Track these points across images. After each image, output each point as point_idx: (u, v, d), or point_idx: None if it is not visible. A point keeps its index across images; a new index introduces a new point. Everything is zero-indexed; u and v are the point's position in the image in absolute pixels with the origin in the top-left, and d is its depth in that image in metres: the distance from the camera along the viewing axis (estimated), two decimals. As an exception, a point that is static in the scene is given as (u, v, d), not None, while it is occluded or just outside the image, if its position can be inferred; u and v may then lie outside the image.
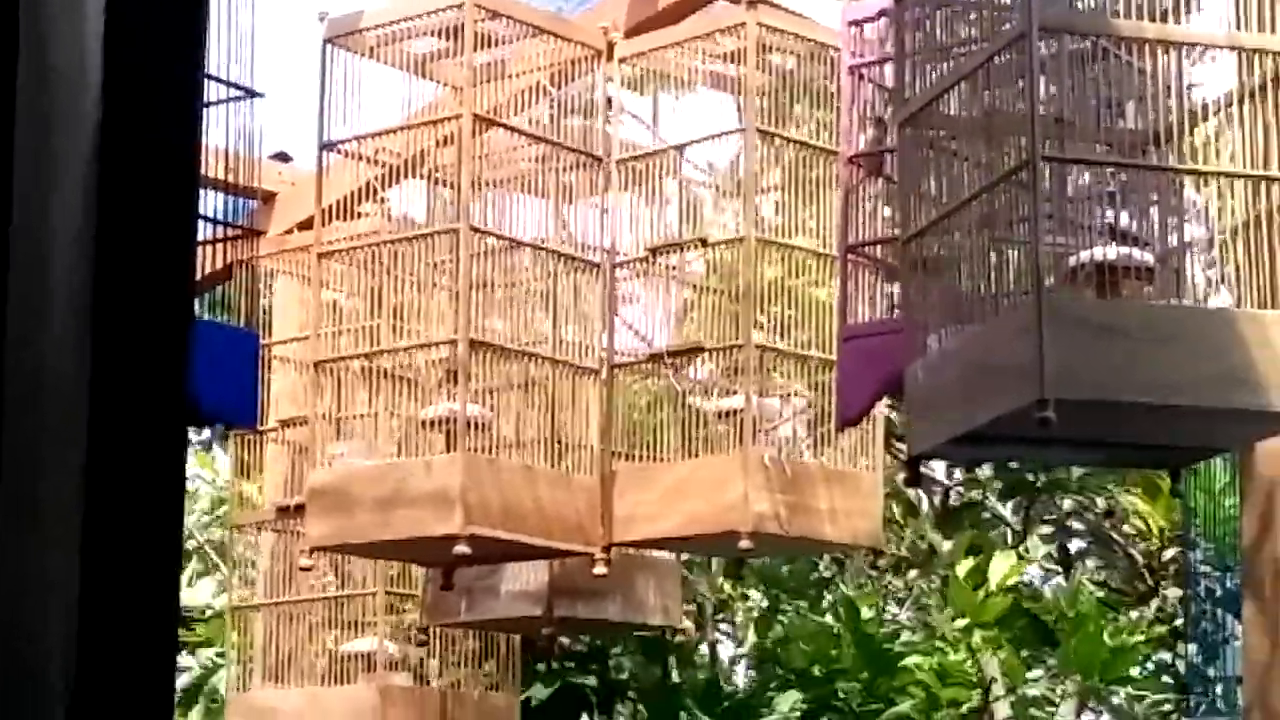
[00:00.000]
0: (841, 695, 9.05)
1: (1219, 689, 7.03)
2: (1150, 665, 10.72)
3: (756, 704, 9.56)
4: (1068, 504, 10.34)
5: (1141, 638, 9.53)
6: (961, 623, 8.92)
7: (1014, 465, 9.81)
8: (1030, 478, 10.00)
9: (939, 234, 4.12)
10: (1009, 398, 3.70)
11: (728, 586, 10.49)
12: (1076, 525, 10.44)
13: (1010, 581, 9.25)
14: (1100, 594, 10.02)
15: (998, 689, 9.01)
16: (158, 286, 1.66)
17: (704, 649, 10.51)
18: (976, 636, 8.85)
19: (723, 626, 11.00)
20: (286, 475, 7.56)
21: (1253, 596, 5.39)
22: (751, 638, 10.41)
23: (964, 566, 9.61)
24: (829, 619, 9.72)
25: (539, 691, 8.85)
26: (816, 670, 9.14)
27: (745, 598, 10.69)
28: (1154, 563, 9.63)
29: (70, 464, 1.56)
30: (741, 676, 10.80)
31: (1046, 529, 10.42)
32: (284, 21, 6.30)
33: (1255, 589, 5.37)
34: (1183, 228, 4.02)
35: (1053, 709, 9.34)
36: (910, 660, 8.98)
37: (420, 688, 7.50)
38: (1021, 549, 10.03)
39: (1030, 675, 9.09)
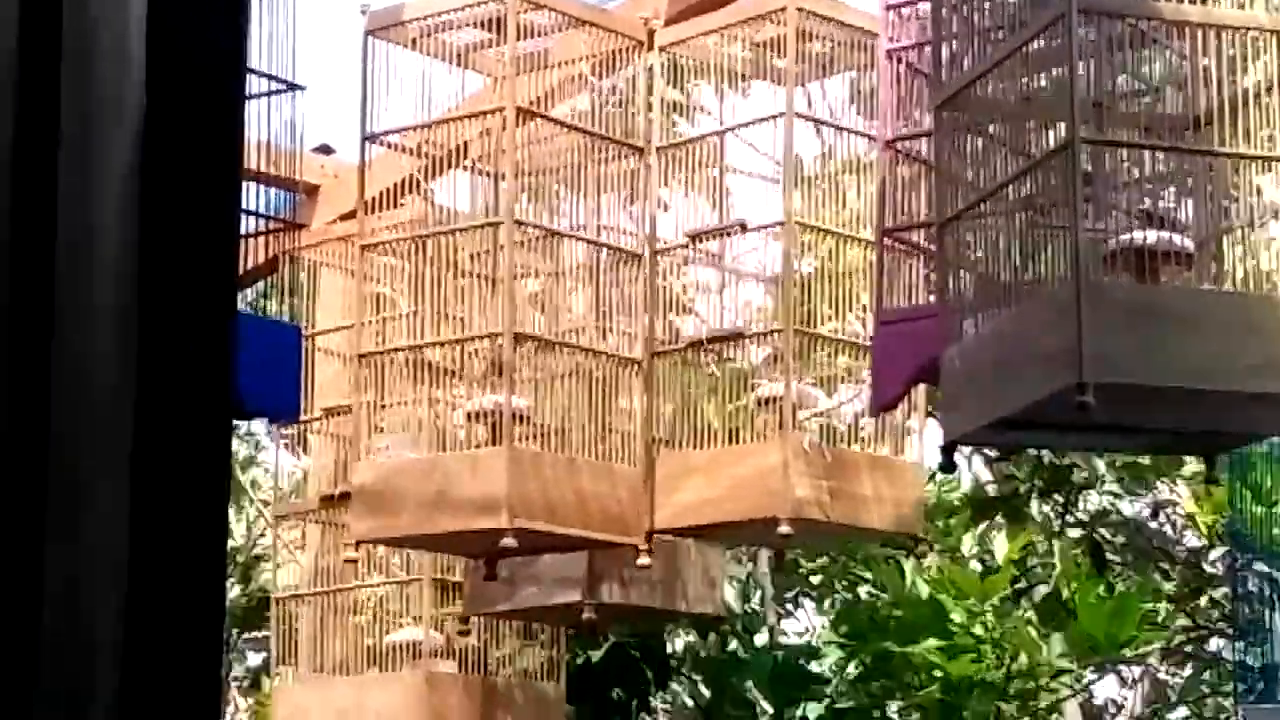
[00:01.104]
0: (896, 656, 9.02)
1: (1266, 680, 7.01)
2: (1189, 649, 10.71)
3: (810, 671, 9.55)
4: (1103, 501, 10.28)
5: (1149, 604, 9.51)
6: (965, 601, 8.91)
7: (1048, 458, 9.78)
8: (1069, 473, 9.97)
9: (976, 218, 4.12)
10: (1047, 382, 3.70)
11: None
12: (1112, 521, 10.38)
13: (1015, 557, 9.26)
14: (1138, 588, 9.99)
15: (1018, 664, 8.98)
16: (201, 281, 1.67)
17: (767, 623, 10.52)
18: (988, 615, 8.84)
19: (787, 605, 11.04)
20: (331, 465, 7.58)
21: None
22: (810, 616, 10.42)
23: (968, 544, 9.61)
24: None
25: (592, 656, 8.83)
26: (872, 630, 9.13)
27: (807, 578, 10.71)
28: (1203, 562, 9.60)
29: (117, 459, 1.58)
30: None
31: (1076, 531, 10.36)
32: (325, 14, 6.32)
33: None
34: (1222, 212, 4.01)
35: (1067, 679, 9.31)
36: (927, 643, 8.95)
37: (466, 675, 7.52)
38: (1051, 543, 10.01)
39: (1046, 648, 9.05)
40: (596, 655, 9.05)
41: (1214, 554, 9.48)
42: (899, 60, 5.02)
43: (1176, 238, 3.96)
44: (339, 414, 7.30)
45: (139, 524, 1.60)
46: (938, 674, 8.87)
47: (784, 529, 6.02)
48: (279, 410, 4.76)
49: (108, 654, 1.57)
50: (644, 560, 6.34)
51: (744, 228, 6.41)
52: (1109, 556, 10.38)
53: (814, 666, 9.62)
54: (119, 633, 1.58)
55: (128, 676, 1.58)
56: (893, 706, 9.36)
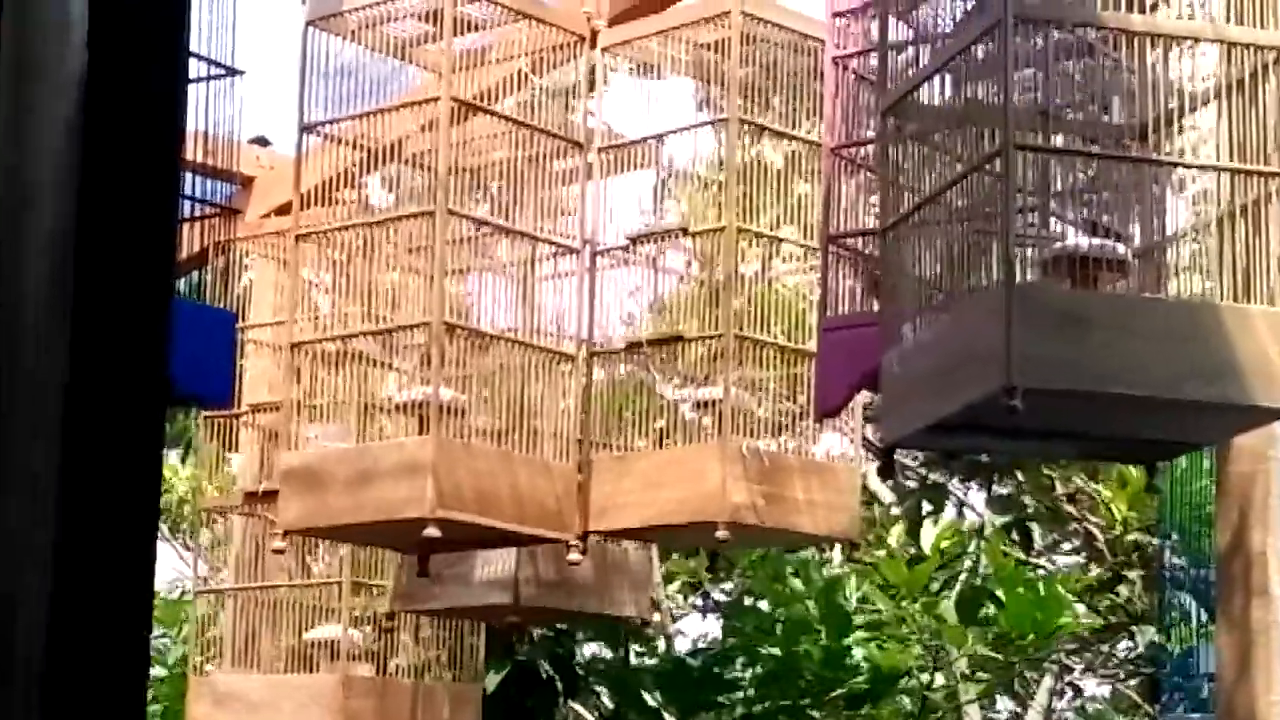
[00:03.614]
0: (801, 657, 9.03)
1: (1193, 685, 7.04)
2: (1119, 653, 10.76)
3: (717, 677, 9.55)
4: (1022, 483, 10.34)
5: (1074, 590, 9.54)
6: (892, 592, 8.94)
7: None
8: (987, 459, 10.02)
9: (917, 224, 4.11)
10: (978, 386, 3.69)
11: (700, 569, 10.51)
12: (1031, 504, 10.44)
13: (943, 546, 9.28)
14: (1061, 578, 10.03)
15: (943, 656, 9.01)
16: (139, 262, 1.65)
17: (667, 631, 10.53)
18: (915, 605, 8.86)
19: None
20: (257, 460, 7.54)
21: (1227, 591, 5.38)
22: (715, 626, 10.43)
23: (895, 535, 9.63)
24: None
25: (489, 679, 8.81)
26: (778, 630, 9.14)
27: (717, 580, 10.72)
28: (1117, 548, 9.64)
29: (48, 440, 1.55)
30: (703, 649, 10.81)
31: (1005, 516, 10.41)
32: (265, 3, 6.27)
33: (1230, 584, 5.36)
34: (1164, 220, 4.01)
35: (988, 675, 9.34)
36: (855, 635, 8.96)
37: (383, 678, 7.48)
38: (976, 526, 10.05)
39: (972, 640, 9.08)
40: (505, 670, 9.02)
41: (1129, 538, 9.53)
42: (845, 67, 5.01)
43: (1115, 245, 3.95)
44: (267, 410, 7.26)
45: (69, 506, 1.58)
46: (864, 666, 8.90)
47: (721, 534, 6.01)
48: (211, 395, 4.71)
49: (33, 637, 1.55)
50: (575, 556, 6.31)
51: (685, 231, 6.40)
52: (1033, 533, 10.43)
53: (720, 671, 9.63)
54: (45, 616, 1.56)
55: (53, 663, 1.56)
56: (801, 704, 9.35)
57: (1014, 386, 3.57)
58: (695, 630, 11.86)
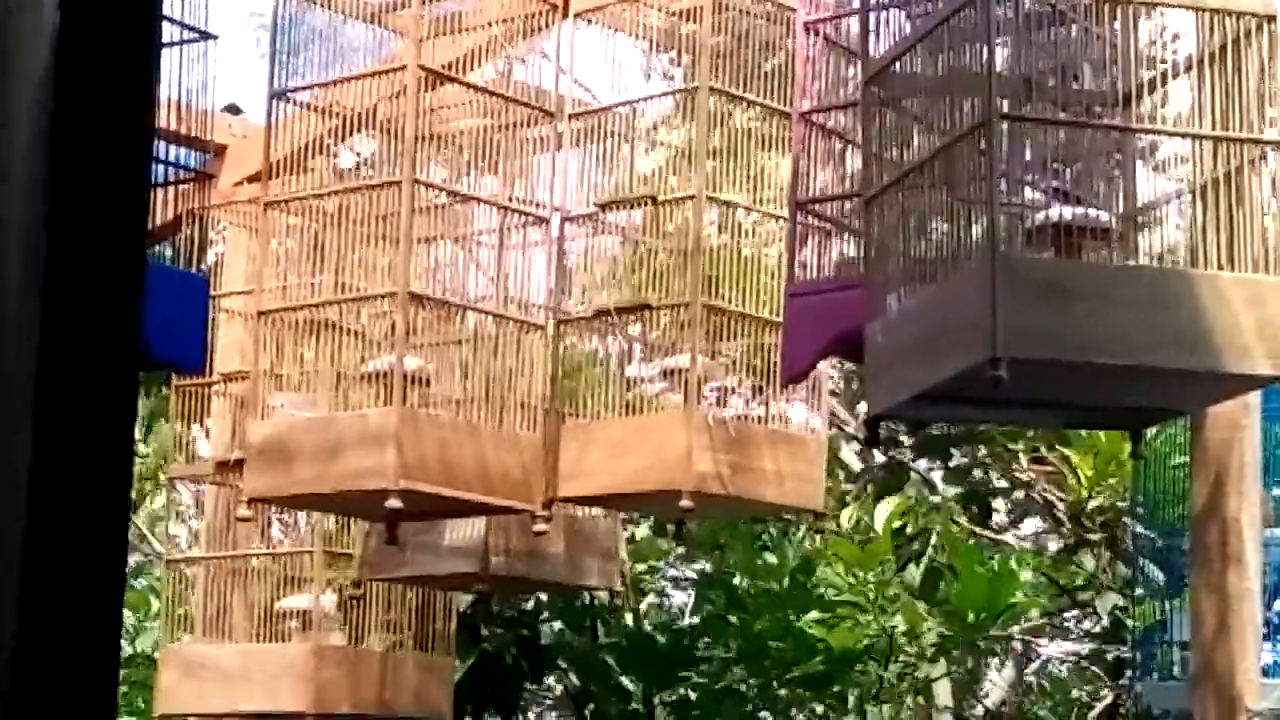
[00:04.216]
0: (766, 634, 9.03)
1: (1165, 653, 7.07)
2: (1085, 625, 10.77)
3: (685, 651, 9.56)
4: (982, 452, 10.34)
5: (1028, 570, 9.57)
6: (844, 570, 8.93)
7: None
8: (945, 430, 10.01)
9: (900, 194, 4.12)
10: (963, 356, 3.69)
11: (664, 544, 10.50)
12: (988, 476, 10.44)
13: (896, 525, 9.29)
14: (1019, 553, 10.06)
15: (898, 636, 9.02)
16: (111, 225, 1.64)
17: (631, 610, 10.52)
18: (869, 585, 8.87)
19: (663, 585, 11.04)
20: (228, 429, 7.51)
21: (1203, 557, 5.41)
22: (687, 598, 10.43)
23: (846, 515, 9.62)
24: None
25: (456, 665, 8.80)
26: (749, 604, 9.14)
27: (689, 559, 10.72)
28: (1080, 513, 9.66)
29: (20, 405, 1.54)
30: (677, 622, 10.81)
31: (958, 488, 10.41)
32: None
33: (1204, 552, 5.40)
34: (1145, 189, 4.02)
35: (943, 653, 9.36)
36: (808, 616, 8.96)
37: (354, 648, 7.47)
38: (934, 500, 10.05)
39: (929, 620, 9.10)
40: (471, 658, 9.00)
41: (1092, 504, 9.55)
42: (816, 33, 5.01)
43: (1098, 214, 3.96)
44: (238, 378, 7.22)
45: (41, 472, 1.57)
46: (820, 645, 8.90)
47: (685, 502, 6.02)
48: (184, 360, 4.69)
49: (3, 608, 1.54)
50: (540, 526, 6.31)
51: (654, 199, 6.39)
52: (994, 507, 10.45)
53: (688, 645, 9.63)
54: (14, 591, 1.55)
55: (24, 633, 1.54)
56: (770, 682, 9.37)
57: (999, 357, 3.58)
58: (664, 603, 11.84)
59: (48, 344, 1.57)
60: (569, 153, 6.45)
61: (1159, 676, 6.98)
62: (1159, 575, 7.16)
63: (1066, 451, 9.44)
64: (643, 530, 10.50)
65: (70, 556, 1.59)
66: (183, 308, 4.54)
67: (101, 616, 1.63)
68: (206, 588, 7.63)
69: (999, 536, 10.71)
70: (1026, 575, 9.72)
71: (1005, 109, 3.83)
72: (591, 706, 9.69)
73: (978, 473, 10.36)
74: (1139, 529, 7.56)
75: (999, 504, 10.65)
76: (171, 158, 4.68)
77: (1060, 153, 4.04)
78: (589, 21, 6.48)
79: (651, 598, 11.24)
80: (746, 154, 6.32)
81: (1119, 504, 9.16)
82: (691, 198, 6.20)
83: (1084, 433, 9.29)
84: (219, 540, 7.62)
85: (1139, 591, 7.45)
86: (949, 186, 3.97)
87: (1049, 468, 9.96)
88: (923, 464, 10.52)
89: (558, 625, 9.70)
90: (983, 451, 10.21)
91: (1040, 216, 3.95)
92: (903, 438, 10.11)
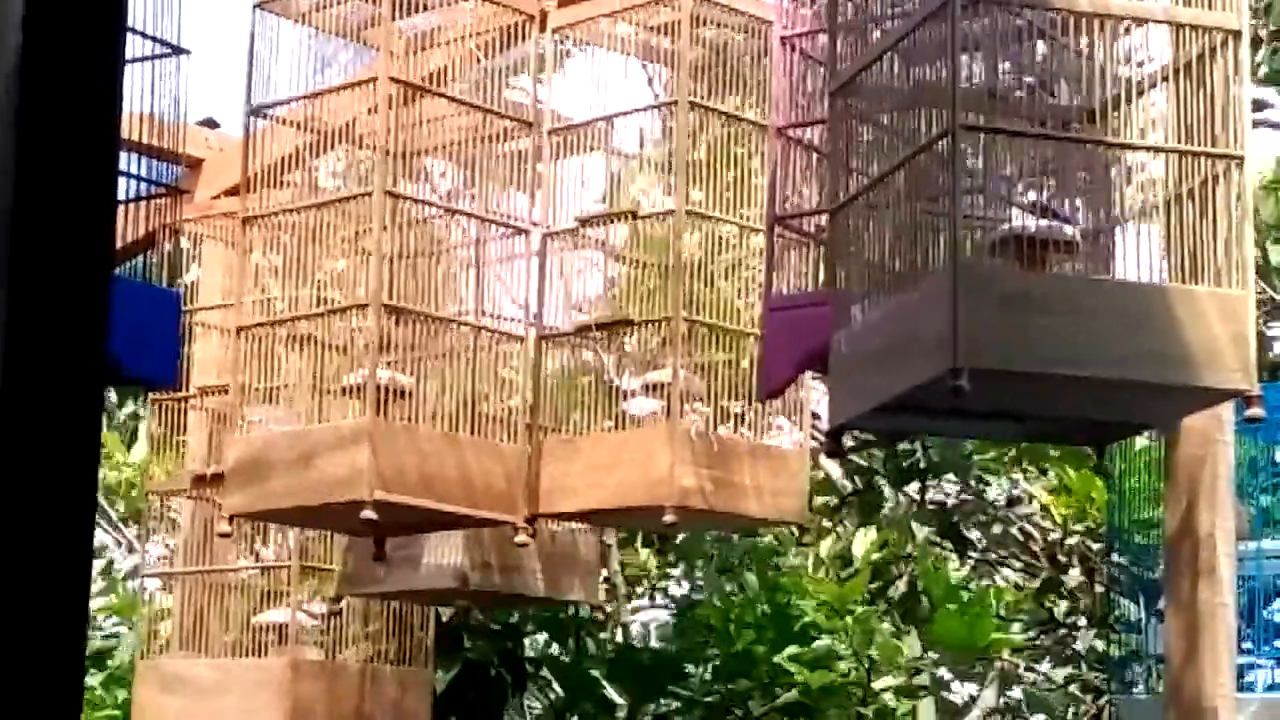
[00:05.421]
0: (751, 654, 9.00)
1: (1140, 671, 7.06)
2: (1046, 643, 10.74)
3: (671, 663, 9.53)
4: (954, 488, 10.31)
5: (1006, 603, 9.53)
6: (819, 604, 8.90)
7: (905, 448, 9.80)
8: (921, 463, 9.98)
9: (865, 205, 4.11)
10: (925, 367, 3.69)
11: (651, 560, 10.48)
12: (968, 509, 10.41)
13: (874, 557, 9.26)
14: (996, 591, 10.02)
15: (877, 669, 8.99)
16: (77, 241, 1.63)
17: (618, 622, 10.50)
18: (846, 618, 8.84)
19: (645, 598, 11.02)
20: (206, 444, 7.50)
21: (1176, 576, 5.39)
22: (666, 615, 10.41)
23: (826, 546, 9.60)
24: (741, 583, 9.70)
25: (438, 680, 8.77)
26: (731, 629, 9.11)
27: (667, 573, 10.69)
28: (1056, 551, 9.65)
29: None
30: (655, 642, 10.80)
31: (929, 526, 10.38)
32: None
33: (1178, 568, 5.37)
34: (1112, 202, 4.01)
35: (924, 678, 9.32)
36: (786, 652, 8.93)
37: (332, 662, 7.45)
38: (905, 531, 10.02)
39: (907, 652, 9.07)
40: (454, 670, 8.98)
41: (1069, 542, 9.55)
42: (793, 48, 5.00)
43: (1062, 226, 3.96)
44: (216, 393, 7.21)
45: (5, 489, 1.56)
46: (798, 679, 8.87)
47: (669, 517, 6.01)
48: (156, 377, 4.67)
49: None
50: (522, 539, 6.30)
51: (634, 214, 6.38)
52: (970, 538, 10.42)
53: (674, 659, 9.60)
54: None
55: None
56: (753, 704, 9.34)
57: (960, 368, 3.57)
58: (649, 617, 11.82)
59: (11, 357, 1.56)
60: (549, 166, 6.45)
61: (1138, 692, 6.97)
62: (1137, 611, 7.16)
63: (1036, 492, 9.43)
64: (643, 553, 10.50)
65: (33, 572, 1.58)
66: (154, 323, 4.52)
67: (64, 632, 1.62)
68: (184, 602, 7.62)
69: (976, 562, 10.67)
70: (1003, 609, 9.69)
71: (971, 121, 3.82)
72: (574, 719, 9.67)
73: (951, 503, 10.33)
74: (1116, 559, 7.54)
75: (974, 535, 10.60)
76: (144, 173, 4.67)
77: (1040, 167, 4.03)
78: (566, 37, 6.48)
79: (643, 615, 11.22)
80: (725, 167, 6.31)
81: (1093, 544, 9.15)
82: (672, 212, 6.20)
83: (1052, 475, 9.29)
84: (197, 555, 7.61)
85: (1117, 627, 7.45)
86: (915, 198, 3.96)
87: (1026, 509, 9.95)
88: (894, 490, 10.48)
89: (542, 637, 9.69)
90: (956, 488, 10.19)
91: (1004, 229, 3.95)
92: (876, 465, 10.08)
